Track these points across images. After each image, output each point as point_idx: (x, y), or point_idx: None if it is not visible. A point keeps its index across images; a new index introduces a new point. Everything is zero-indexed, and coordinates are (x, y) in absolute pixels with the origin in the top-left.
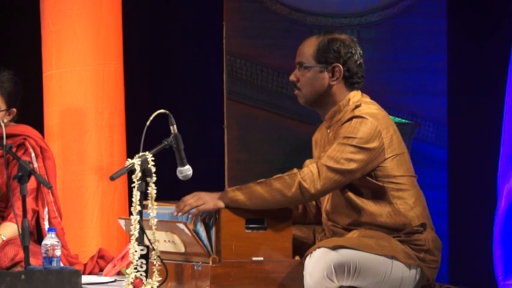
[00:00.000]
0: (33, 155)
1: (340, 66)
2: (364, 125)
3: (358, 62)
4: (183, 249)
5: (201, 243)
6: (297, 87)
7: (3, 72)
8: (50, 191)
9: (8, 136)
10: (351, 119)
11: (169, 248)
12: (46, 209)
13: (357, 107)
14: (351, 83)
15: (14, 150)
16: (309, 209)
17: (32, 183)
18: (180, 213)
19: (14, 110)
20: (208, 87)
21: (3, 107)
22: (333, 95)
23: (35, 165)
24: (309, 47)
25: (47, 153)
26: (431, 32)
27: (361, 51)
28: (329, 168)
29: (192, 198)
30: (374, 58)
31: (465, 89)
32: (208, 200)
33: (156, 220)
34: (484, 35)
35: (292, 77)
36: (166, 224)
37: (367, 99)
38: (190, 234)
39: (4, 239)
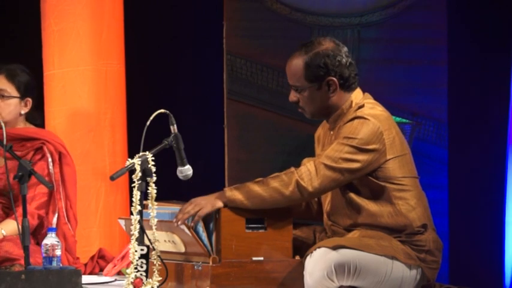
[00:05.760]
0: (49, 160)
1: (333, 78)
2: (366, 126)
3: (347, 64)
4: (183, 249)
5: (201, 243)
6: (299, 106)
7: (13, 66)
8: (62, 197)
9: (28, 139)
10: (353, 119)
11: (169, 247)
12: (56, 215)
13: (360, 107)
14: (348, 87)
15: (31, 154)
16: (311, 205)
17: (43, 187)
18: (179, 222)
19: (30, 99)
20: (208, 87)
21: (15, 93)
22: (335, 104)
23: (51, 170)
24: (296, 69)
25: (66, 159)
26: (432, 31)
27: (346, 50)
28: (327, 166)
29: (190, 206)
30: (374, 57)
31: (465, 88)
32: (205, 203)
33: (156, 220)
34: (484, 34)
35: (292, 98)
36: (166, 224)
37: (370, 99)
38: (190, 234)
39: (4, 233)
